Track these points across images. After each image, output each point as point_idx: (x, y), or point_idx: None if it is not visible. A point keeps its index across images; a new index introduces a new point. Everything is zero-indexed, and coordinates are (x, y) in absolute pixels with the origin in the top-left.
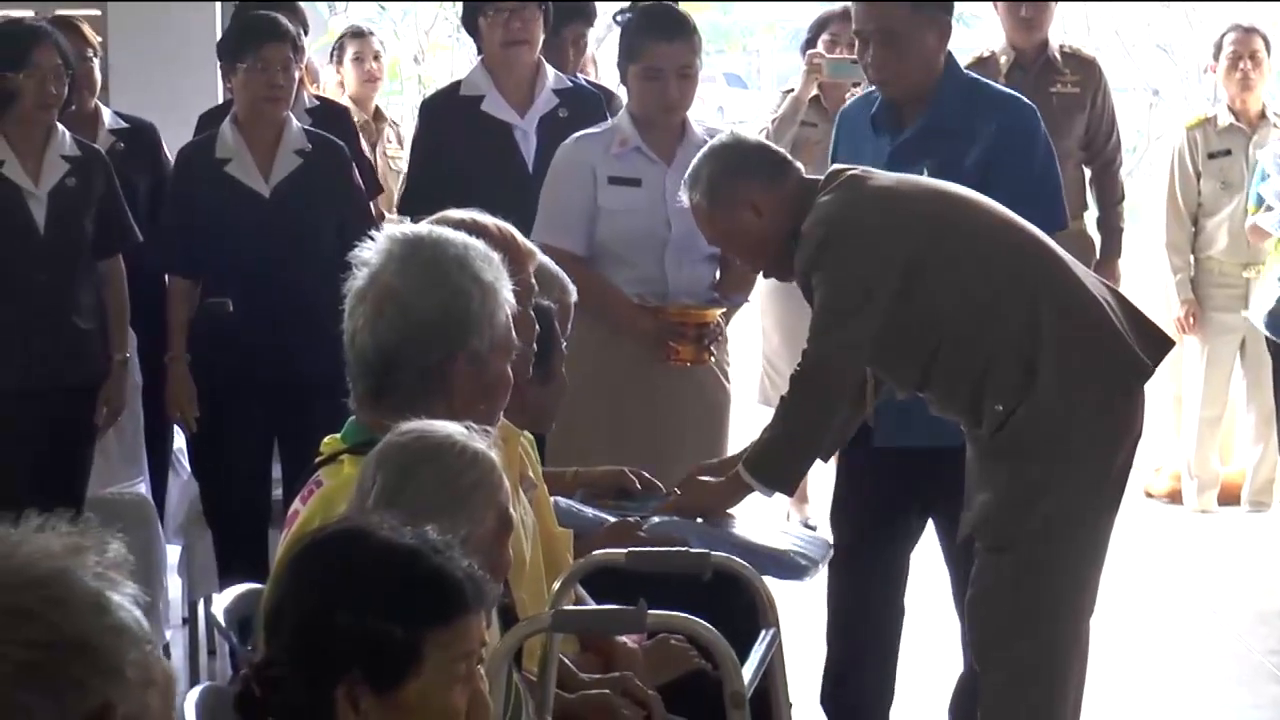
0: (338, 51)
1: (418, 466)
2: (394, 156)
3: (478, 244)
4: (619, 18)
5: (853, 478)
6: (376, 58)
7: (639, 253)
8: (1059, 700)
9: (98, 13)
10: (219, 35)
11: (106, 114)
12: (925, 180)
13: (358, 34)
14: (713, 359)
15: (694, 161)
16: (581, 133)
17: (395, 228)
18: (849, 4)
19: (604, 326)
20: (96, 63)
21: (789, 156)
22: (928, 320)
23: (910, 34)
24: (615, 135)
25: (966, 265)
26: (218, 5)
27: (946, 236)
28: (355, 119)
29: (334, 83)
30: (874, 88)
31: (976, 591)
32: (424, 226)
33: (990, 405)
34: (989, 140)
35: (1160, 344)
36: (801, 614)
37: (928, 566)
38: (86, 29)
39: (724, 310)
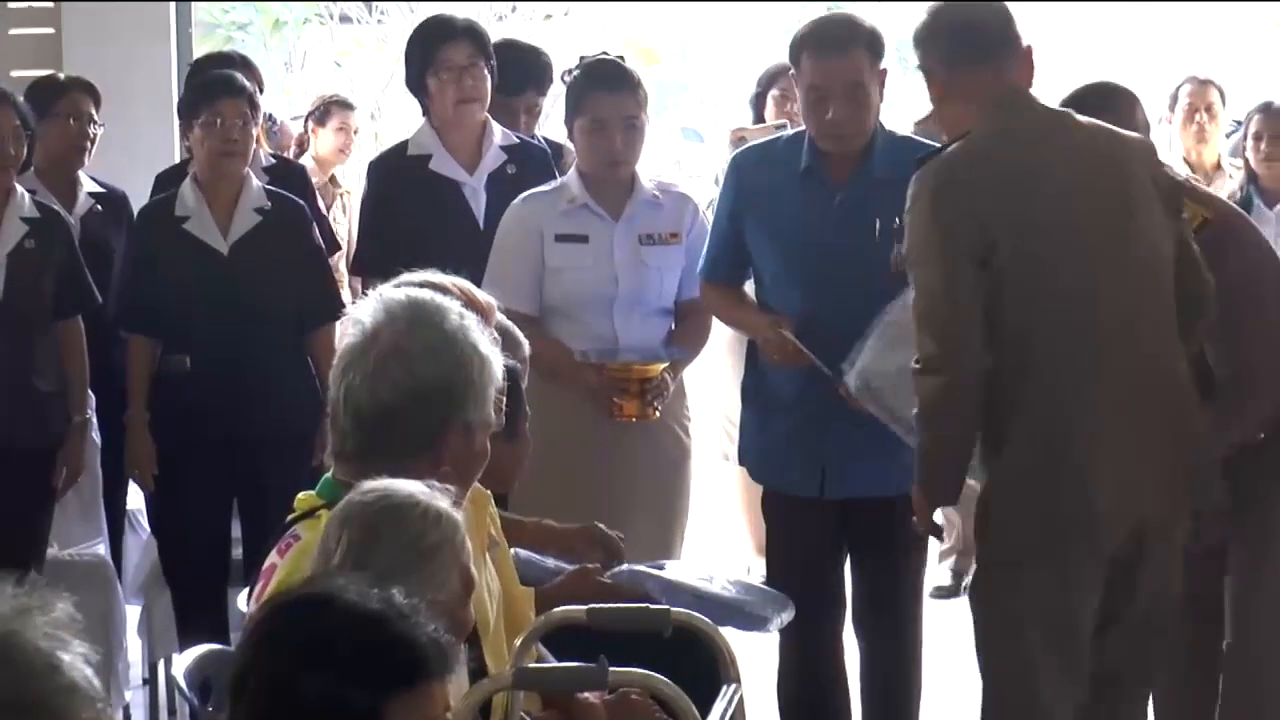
0: (321, 114)
1: (382, 527)
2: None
3: (470, 313)
4: (565, 77)
5: (789, 525)
6: (355, 131)
7: (587, 310)
8: None
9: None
10: (174, 93)
11: (84, 179)
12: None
13: (346, 105)
14: (657, 414)
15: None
16: (530, 192)
17: (392, 291)
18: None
19: (556, 385)
20: (99, 131)
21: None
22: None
23: (870, 87)
24: (563, 193)
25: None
26: (173, 63)
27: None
28: (322, 180)
29: (292, 139)
30: (776, 140)
31: None
32: (421, 292)
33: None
34: None
35: None
36: (766, 665)
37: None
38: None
39: (667, 365)
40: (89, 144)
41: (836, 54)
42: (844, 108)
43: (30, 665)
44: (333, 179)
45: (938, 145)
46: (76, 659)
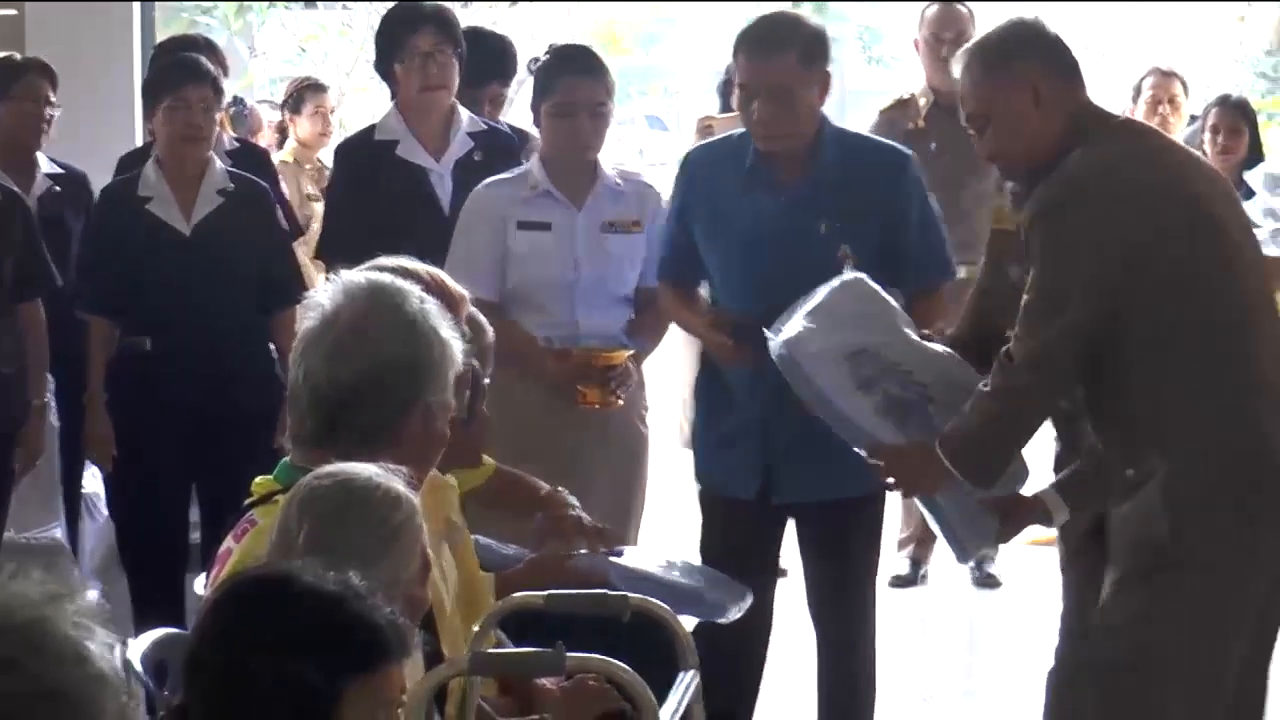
0: (294, 100)
1: (345, 511)
2: (311, 195)
3: (431, 299)
4: (532, 65)
5: (722, 527)
6: (331, 111)
7: (549, 297)
8: None
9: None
10: (138, 76)
11: (42, 159)
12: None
13: (318, 87)
14: (620, 402)
15: (987, 32)
16: (492, 178)
17: (351, 274)
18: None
19: (515, 371)
20: (56, 113)
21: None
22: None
23: (799, 90)
24: (525, 180)
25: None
26: (136, 47)
27: (1206, 255)
28: (313, 164)
29: (271, 126)
30: (728, 138)
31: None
32: (381, 275)
33: (1121, 467)
34: (875, 192)
35: None
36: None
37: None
38: (54, 79)
39: (632, 353)
40: (46, 126)
41: (764, 55)
42: (768, 108)
43: (60, 654)
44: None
45: (891, 144)
46: (104, 648)
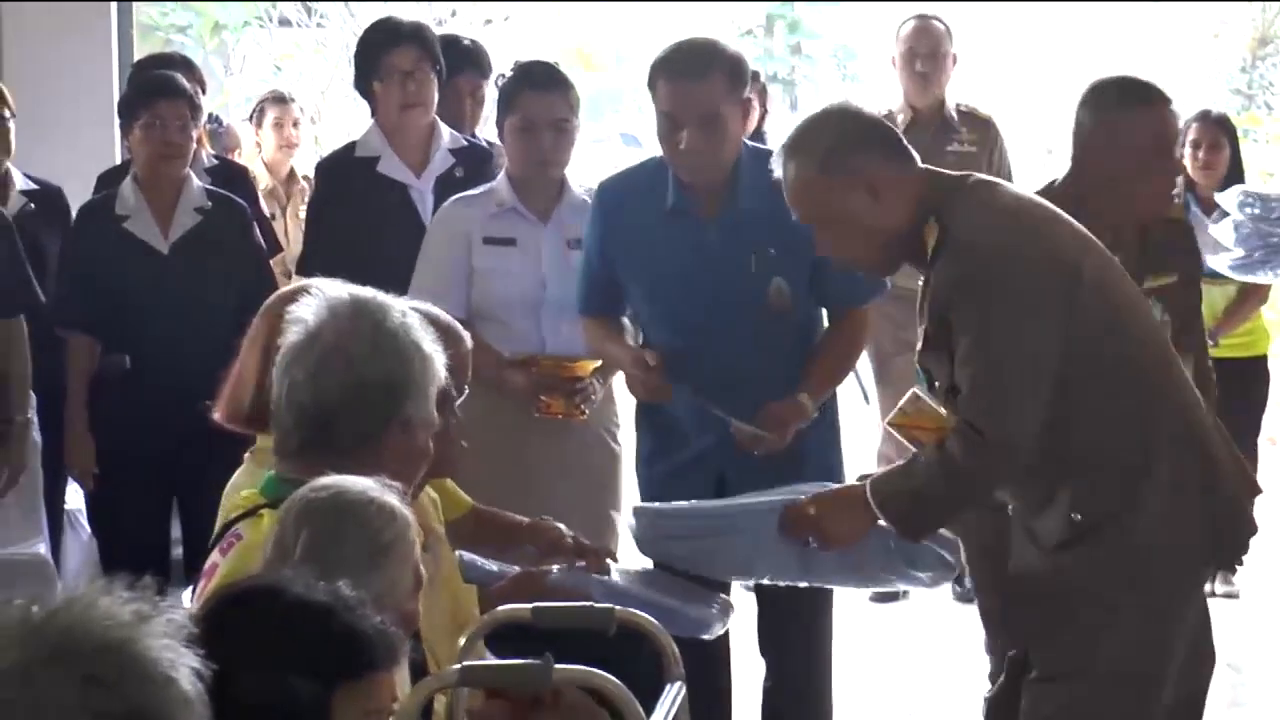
0: (258, 115)
1: (343, 525)
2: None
3: (414, 314)
4: (499, 80)
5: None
6: (295, 124)
7: (514, 313)
8: None
9: None
10: (115, 94)
11: (17, 175)
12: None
13: (279, 99)
14: (584, 414)
15: (800, 125)
16: (459, 195)
17: (333, 289)
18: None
19: (480, 386)
20: (12, 124)
21: (910, 148)
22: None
23: (727, 117)
24: (492, 196)
25: (1115, 322)
26: (114, 64)
27: (1103, 281)
28: (266, 183)
29: (251, 144)
30: (642, 167)
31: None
32: (364, 290)
33: (1066, 511)
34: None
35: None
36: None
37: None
38: (3, 89)
39: (598, 366)
40: (8, 140)
41: (690, 80)
42: (697, 136)
43: (150, 675)
44: (291, 174)
45: None
46: (189, 671)
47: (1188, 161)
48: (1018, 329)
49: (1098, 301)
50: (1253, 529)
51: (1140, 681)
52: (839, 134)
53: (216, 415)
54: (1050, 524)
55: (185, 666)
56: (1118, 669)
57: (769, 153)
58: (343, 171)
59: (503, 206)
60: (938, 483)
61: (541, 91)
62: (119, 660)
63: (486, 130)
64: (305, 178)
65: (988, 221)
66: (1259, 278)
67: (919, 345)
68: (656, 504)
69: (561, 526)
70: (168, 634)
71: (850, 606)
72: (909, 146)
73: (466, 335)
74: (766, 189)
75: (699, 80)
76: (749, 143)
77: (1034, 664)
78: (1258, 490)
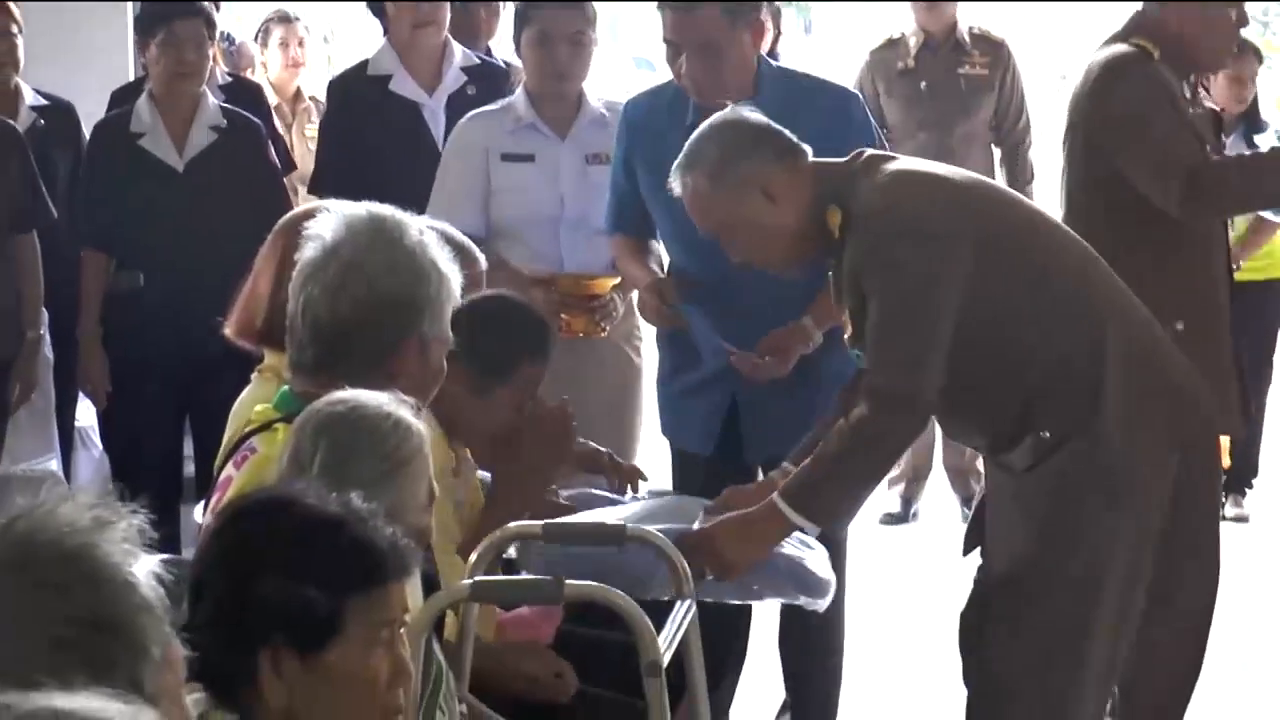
0: (263, 34)
1: (360, 439)
2: (311, 136)
3: (431, 232)
4: None
5: (690, 482)
6: (301, 44)
7: (533, 230)
8: None
9: None
10: (130, 10)
11: (27, 91)
12: (964, 170)
13: (285, 19)
14: (605, 331)
15: (690, 141)
16: (476, 111)
17: (351, 206)
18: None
19: None
20: (20, 39)
21: (797, 139)
22: (987, 321)
23: (726, 44)
24: (509, 113)
25: (1033, 261)
26: None
27: (1009, 229)
28: (272, 102)
29: (258, 63)
30: (666, 86)
31: (990, 643)
32: (382, 208)
33: (1036, 432)
34: (821, 132)
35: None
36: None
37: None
38: (11, 5)
39: (618, 282)
40: (15, 55)
41: (687, 10)
42: (695, 64)
43: (110, 580)
44: (297, 93)
45: (836, 84)
46: (148, 575)
47: (1217, 91)
48: (914, 287)
49: (1014, 247)
50: (1211, 425)
51: (1112, 582)
52: (725, 146)
53: (228, 330)
54: (1021, 451)
55: (145, 571)
56: (1090, 573)
57: (791, 72)
58: (354, 90)
59: (520, 122)
60: (854, 457)
61: (558, 4)
62: (78, 565)
63: (505, 50)
64: (312, 98)
65: (884, 191)
66: None
67: (846, 333)
68: (542, 544)
69: (594, 444)
70: (127, 539)
71: (858, 528)
72: (796, 140)
73: (481, 256)
74: (785, 100)
75: (694, 10)
76: (770, 61)
77: (1005, 577)
78: (1209, 391)
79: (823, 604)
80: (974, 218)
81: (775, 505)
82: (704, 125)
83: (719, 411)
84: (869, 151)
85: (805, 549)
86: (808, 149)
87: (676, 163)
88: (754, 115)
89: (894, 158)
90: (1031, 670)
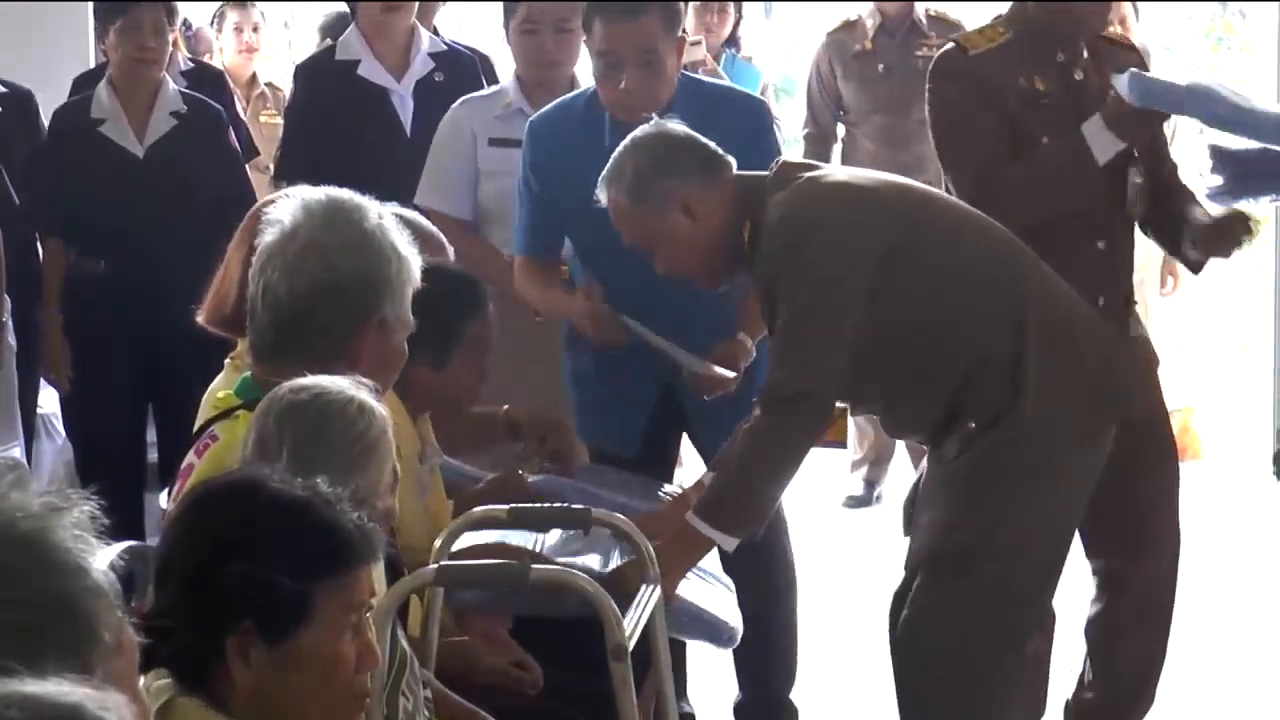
0: (218, 19)
1: (327, 426)
2: (265, 123)
3: (391, 216)
4: None
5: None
6: (255, 29)
7: None
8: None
9: None
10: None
11: None
12: (882, 174)
13: (239, 3)
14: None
15: (615, 154)
16: (468, 96)
17: (310, 190)
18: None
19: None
20: None
21: (721, 151)
22: (905, 324)
23: (664, 55)
24: (499, 98)
25: (946, 261)
26: None
27: (922, 230)
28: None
29: (215, 49)
30: (572, 103)
31: (914, 612)
32: (341, 191)
33: (965, 423)
34: (734, 144)
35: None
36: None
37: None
38: None
39: None
40: None
41: (628, 19)
42: (637, 75)
43: (62, 564)
44: (252, 79)
45: (746, 93)
46: (100, 561)
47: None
48: (818, 289)
49: (929, 252)
50: (1130, 390)
51: (1045, 556)
52: (645, 162)
53: (200, 318)
54: (950, 442)
55: (98, 557)
56: (1023, 546)
57: (702, 83)
58: (322, 74)
59: (509, 108)
60: (755, 460)
61: None
62: (30, 551)
63: (470, 38)
64: (268, 84)
65: (789, 202)
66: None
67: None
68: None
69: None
70: (79, 525)
71: (822, 512)
72: (720, 152)
73: (449, 246)
74: (699, 122)
75: (635, 19)
76: (683, 73)
77: (937, 558)
78: (1129, 351)
79: (727, 649)
80: (885, 225)
81: (688, 524)
82: (628, 139)
83: (645, 412)
84: (786, 160)
85: (709, 585)
86: (731, 161)
87: (602, 175)
88: (678, 128)
89: (812, 166)
90: (960, 642)
